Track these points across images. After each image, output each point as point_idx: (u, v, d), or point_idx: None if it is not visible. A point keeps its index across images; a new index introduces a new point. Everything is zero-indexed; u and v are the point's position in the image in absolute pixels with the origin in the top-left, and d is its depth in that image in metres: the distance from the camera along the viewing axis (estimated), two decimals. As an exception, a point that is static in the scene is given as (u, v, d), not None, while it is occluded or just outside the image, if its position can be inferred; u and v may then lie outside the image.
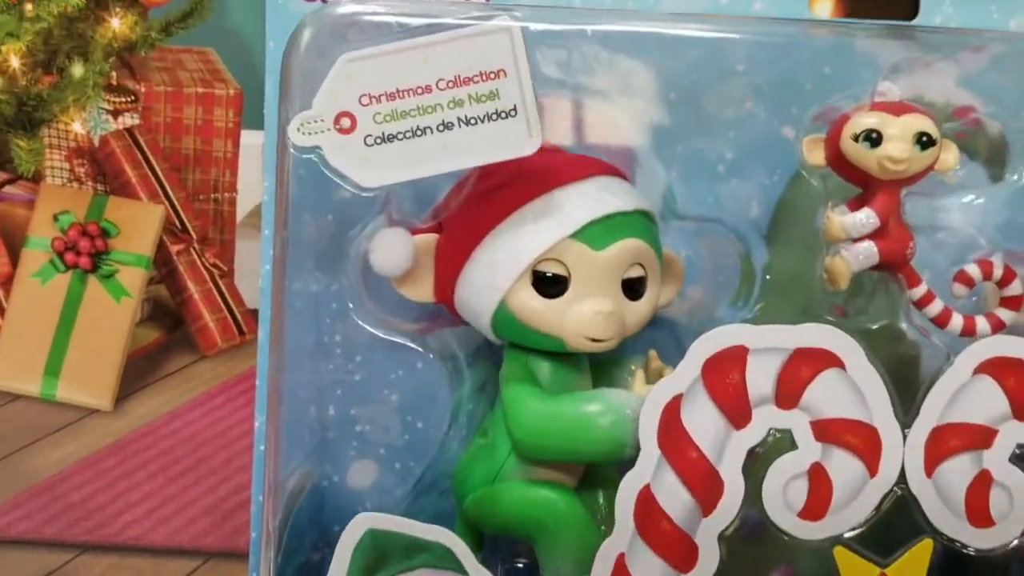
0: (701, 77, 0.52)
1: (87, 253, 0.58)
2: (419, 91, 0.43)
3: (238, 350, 0.69)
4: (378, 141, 0.43)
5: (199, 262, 0.59)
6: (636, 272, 0.47)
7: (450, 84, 0.43)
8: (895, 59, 0.51)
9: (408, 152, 0.43)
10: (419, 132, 0.43)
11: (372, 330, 0.50)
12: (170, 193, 0.59)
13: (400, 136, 0.43)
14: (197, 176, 0.60)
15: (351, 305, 0.49)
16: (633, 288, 0.47)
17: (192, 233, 0.60)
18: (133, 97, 0.58)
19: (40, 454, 0.65)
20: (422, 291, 0.48)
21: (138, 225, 0.58)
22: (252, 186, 0.58)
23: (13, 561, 0.63)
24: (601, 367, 0.50)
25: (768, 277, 0.53)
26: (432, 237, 0.48)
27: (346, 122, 0.43)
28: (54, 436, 0.65)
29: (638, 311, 0.48)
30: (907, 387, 0.46)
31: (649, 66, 0.52)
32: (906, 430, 0.45)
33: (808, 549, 0.45)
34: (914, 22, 0.54)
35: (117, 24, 0.54)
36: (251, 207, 0.65)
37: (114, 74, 0.56)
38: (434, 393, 0.55)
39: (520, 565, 0.53)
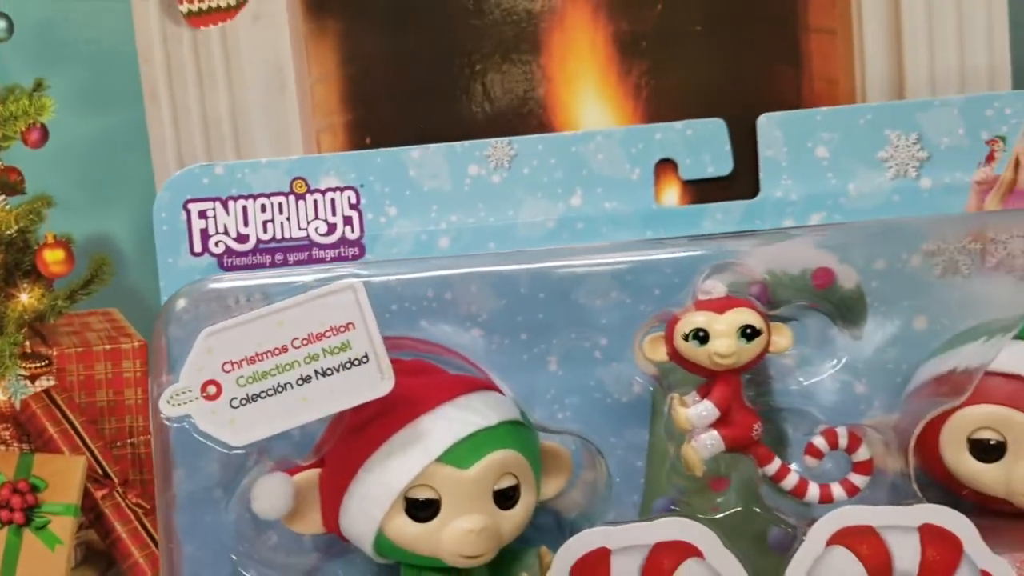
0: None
1: (20, 509, 0.62)
2: (276, 352, 0.47)
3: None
4: (243, 402, 0.47)
5: (123, 503, 0.63)
6: (507, 482, 0.50)
7: (304, 342, 0.47)
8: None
9: (271, 409, 0.47)
10: (280, 389, 0.47)
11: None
12: (89, 443, 0.63)
13: (263, 395, 0.47)
14: (113, 424, 0.64)
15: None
16: (506, 497, 0.50)
17: (114, 478, 0.64)
18: (47, 361, 0.62)
19: None
20: (311, 525, 0.51)
21: (64, 477, 0.61)
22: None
23: None
24: (499, 564, 0.53)
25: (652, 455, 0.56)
26: (315, 473, 0.51)
27: (212, 389, 0.47)
28: None
29: (513, 519, 0.50)
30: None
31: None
32: (772, 608, 0.47)
33: None
34: (758, 199, 0.59)
35: (26, 299, 0.60)
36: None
37: (27, 343, 0.62)
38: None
39: None
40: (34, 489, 0.62)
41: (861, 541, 0.47)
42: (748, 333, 0.49)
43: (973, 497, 0.51)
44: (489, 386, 0.53)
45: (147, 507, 0.63)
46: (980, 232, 0.57)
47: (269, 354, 0.47)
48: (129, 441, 0.65)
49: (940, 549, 0.47)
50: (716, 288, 0.51)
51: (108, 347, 0.62)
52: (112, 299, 0.66)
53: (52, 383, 0.62)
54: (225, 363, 0.47)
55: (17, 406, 0.60)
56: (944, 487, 0.52)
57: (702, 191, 0.61)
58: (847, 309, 0.56)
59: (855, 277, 0.56)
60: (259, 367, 0.47)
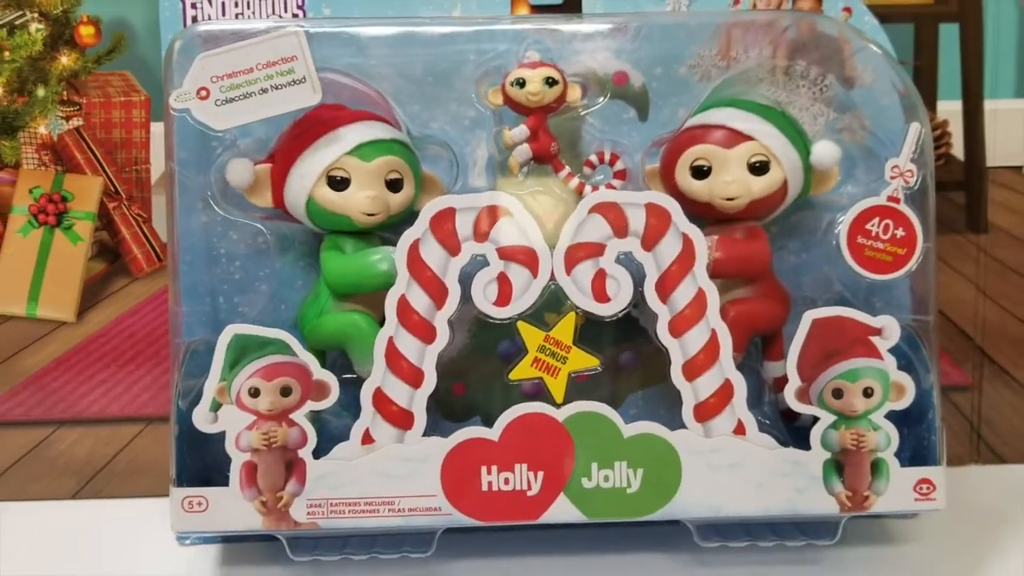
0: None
1: (53, 214, 0.87)
2: (246, 71, 0.73)
3: (159, 273, 0.99)
4: (224, 103, 0.73)
5: (128, 213, 0.89)
6: (394, 175, 0.77)
7: (264, 66, 0.74)
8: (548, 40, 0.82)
9: (241, 107, 0.73)
10: (247, 95, 0.73)
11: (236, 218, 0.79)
12: (106, 168, 0.88)
13: (236, 98, 0.73)
14: (123, 155, 0.89)
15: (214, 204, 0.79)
16: (394, 186, 0.77)
17: (122, 194, 0.90)
18: (78, 107, 0.88)
19: (27, 358, 0.93)
20: (264, 200, 0.78)
21: (86, 191, 0.87)
22: (161, 160, 0.87)
23: (11, 437, 0.90)
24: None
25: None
26: (267, 166, 0.78)
27: (203, 93, 0.73)
28: (36, 343, 0.93)
29: (399, 200, 0.77)
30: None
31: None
32: (553, 249, 0.75)
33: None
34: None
35: (65, 60, 0.85)
36: (161, 173, 0.95)
37: (64, 93, 0.87)
38: (293, 284, 0.83)
39: (348, 376, 0.81)
40: (64, 199, 0.87)
41: (609, 210, 0.75)
42: (550, 81, 0.77)
43: (696, 209, 0.79)
44: (394, 124, 0.79)
45: (144, 216, 0.89)
46: (726, 52, 0.85)
47: (241, 73, 0.73)
48: (134, 168, 0.91)
49: (657, 218, 0.75)
50: (533, 56, 0.78)
51: (123, 99, 0.88)
52: (127, 65, 0.91)
53: (81, 123, 0.87)
54: (212, 76, 0.73)
55: (55, 138, 0.86)
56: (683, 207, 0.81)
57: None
58: (636, 102, 0.84)
59: (642, 79, 0.83)
60: (235, 81, 0.73)
